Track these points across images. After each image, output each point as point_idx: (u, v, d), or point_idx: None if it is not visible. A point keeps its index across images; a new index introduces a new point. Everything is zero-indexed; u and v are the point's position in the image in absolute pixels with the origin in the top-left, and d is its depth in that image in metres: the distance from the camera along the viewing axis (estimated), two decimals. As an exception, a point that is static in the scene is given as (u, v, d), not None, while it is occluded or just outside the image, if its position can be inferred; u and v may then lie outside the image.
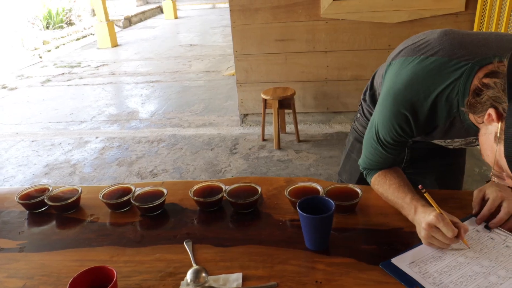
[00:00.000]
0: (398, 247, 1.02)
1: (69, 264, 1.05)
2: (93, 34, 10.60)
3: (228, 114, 4.67)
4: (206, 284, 0.93)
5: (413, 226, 1.05)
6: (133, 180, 3.37)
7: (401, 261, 0.97)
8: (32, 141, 4.37)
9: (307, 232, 1.03)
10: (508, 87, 0.81)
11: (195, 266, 0.97)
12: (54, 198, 1.25)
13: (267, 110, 3.80)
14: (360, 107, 1.46)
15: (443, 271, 0.93)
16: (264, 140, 3.92)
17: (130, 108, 5.18)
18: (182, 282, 0.95)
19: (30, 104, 5.64)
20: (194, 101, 5.25)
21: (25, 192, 1.29)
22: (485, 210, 1.07)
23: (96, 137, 4.32)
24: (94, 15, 12.49)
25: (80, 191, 1.26)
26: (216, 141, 3.97)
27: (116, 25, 11.66)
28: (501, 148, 0.84)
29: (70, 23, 11.33)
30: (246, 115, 4.31)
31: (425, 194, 1.02)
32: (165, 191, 1.22)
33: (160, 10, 15.01)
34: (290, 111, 3.83)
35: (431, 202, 1.01)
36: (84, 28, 11.31)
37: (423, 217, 0.99)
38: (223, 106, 4.98)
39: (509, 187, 1.06)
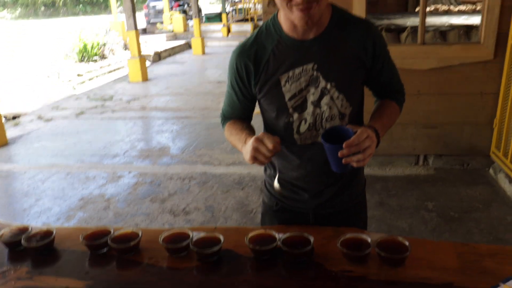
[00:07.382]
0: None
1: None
2: (125, 68, 11.01)
3: (257, 152, 4.75)
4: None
5: (464, 280, 1.09)
6: (166, 217, 3.44)
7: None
8: (68, 173, 4.53)
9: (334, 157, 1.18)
10: None
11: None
12: (116, 240, 1.33)
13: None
14: None
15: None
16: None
17: (161, 144, 5.33)
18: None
19: (65, 136, 5.85)
20: (224, 139, 5.35)
21: (89, 233, 1.37)
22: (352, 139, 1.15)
23: (129, 172, 4.46)
24: (126, 49, 13.00)
25: (140, 235, 1.34)
26: (247, 181, 4.04)
27: (147, 59, 12.09)
28: None
29: (103, 57, 11.80)
30: (275, 154, 4.39)
31: None
32: (221, 238, 1.29)
33: (188, 45, 15.52)
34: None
35: None
36: (116, 62, 11.76)
37: (250, 140, 1.21)
38: (252, 144, 5.07)
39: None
